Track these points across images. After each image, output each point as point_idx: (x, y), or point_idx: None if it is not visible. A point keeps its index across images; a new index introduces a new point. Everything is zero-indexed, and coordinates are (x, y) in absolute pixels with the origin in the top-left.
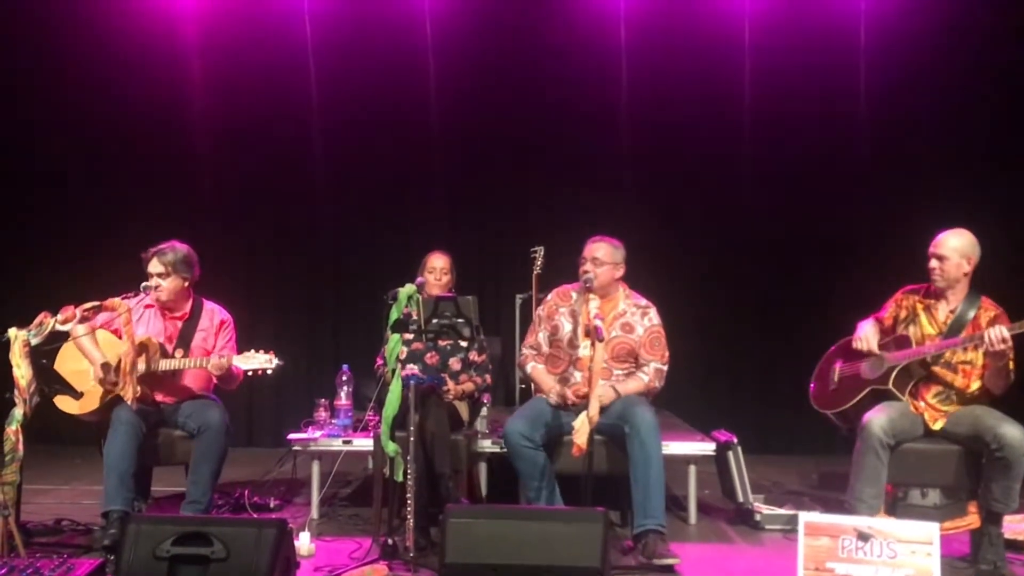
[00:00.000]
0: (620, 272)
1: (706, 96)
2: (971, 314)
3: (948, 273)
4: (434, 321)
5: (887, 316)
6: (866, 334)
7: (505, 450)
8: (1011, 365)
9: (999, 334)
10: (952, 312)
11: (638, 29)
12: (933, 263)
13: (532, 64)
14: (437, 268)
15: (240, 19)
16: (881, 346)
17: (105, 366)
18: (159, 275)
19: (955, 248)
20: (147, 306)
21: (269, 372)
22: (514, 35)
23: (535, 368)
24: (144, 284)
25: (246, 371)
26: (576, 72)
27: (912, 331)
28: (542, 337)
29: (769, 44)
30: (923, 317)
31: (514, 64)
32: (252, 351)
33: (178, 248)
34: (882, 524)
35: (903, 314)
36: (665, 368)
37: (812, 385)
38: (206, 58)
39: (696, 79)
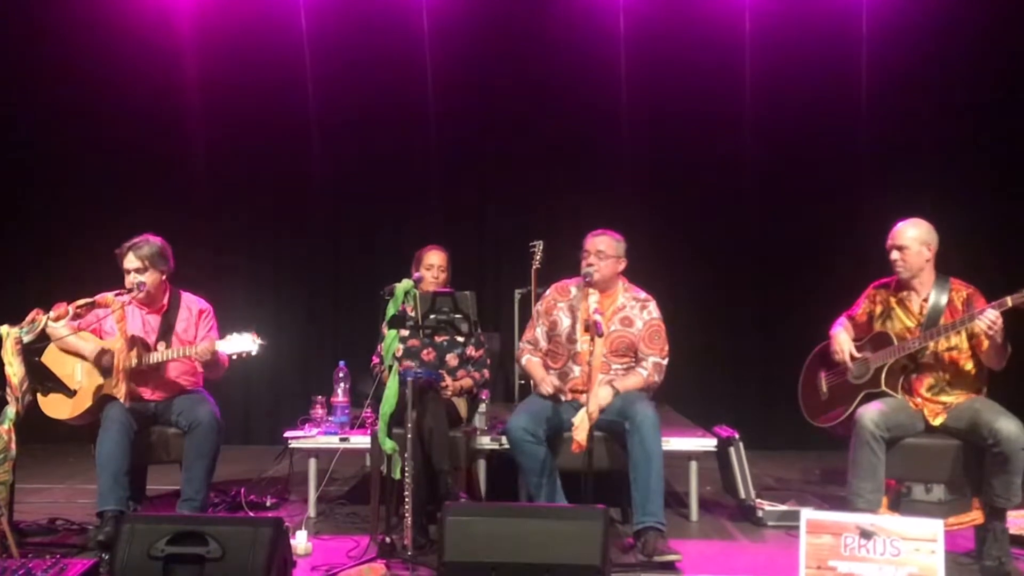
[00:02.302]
0: (622, 265)
1: (706, 92)
2: (944, 299)
3: (910, 262)
4: (431, 317)
5: (860, 312)
6: (841, 344)
7: (505, 446)
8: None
9: (988, 318)
10: (926, 301)
11: (638, 23)
12: (894, 255)
13: (531, 58)
14: (435, 265)
15: (235, 14)
16: (859, 347)
17: (102, 352)
18: (136, 270)
19: (914, 237)
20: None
21: (253, 353)
22: (513, 28)
23: (529, 360)
24: (128, 284)
25: (230, 355)
26: (575, 66)
27: (889, 326)
28: (540, 332)
29: (769, 40)
30: (898, 311)
31: (513, 58)
32: (234, 333)
33: (152, 241)
34: (885, 521)
35: (878, 309)
36: (664, 362)
37: (801, 400)
38: (201, 54)
39: (696, 75)
